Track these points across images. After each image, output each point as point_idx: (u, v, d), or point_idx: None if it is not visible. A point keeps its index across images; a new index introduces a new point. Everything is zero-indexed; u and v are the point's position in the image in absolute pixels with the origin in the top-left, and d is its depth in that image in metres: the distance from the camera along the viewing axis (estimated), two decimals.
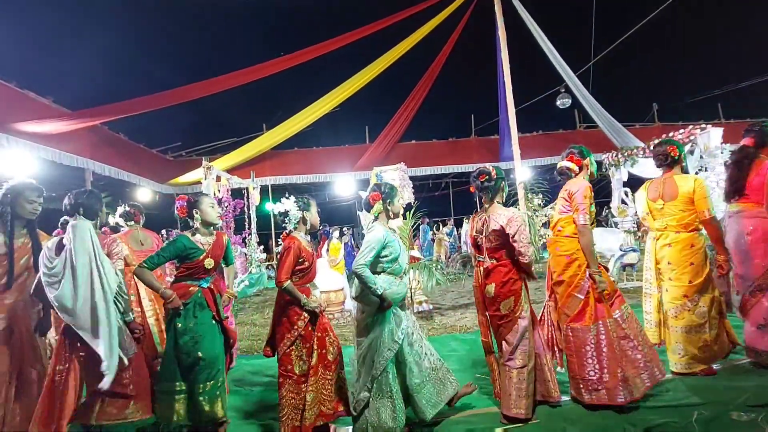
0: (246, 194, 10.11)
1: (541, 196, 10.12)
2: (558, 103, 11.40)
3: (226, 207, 6.99)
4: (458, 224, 14.60)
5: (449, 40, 10.31)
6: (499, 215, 2.62)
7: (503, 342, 2.65)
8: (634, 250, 6.61)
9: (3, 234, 2.56)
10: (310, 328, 2.58)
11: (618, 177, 9.29)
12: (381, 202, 2.68)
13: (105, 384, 2.28)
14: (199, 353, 2.55)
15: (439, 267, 6.23)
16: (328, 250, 6.59)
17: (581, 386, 2.64)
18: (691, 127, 8.04)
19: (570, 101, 11.10)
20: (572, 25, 10.39)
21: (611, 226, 9.47)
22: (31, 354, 2.59)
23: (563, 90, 10.97)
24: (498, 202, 2.73)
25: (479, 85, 13.07)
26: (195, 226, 2.74)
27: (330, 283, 6.03)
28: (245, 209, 9.85)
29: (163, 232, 8.55)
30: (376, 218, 2.72)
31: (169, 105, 9.27)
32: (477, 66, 12.47)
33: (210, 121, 13.90)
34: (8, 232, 2.56)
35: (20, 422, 2.48)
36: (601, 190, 15.47)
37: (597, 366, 2.59)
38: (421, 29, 9.55)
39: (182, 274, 2.67)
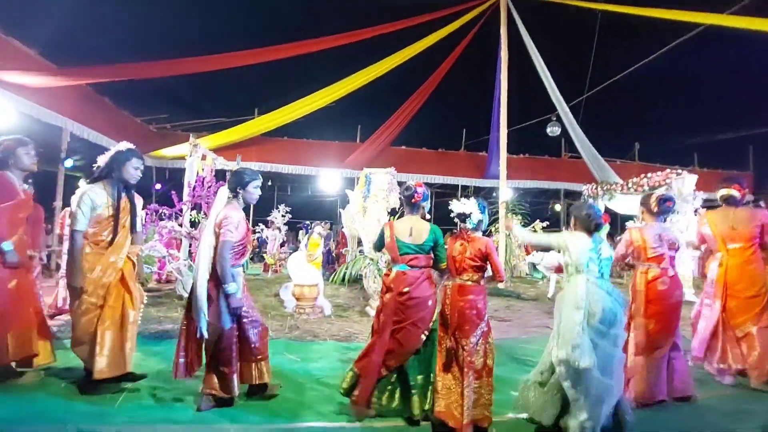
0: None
1: (520, 217, 10.37)
2: (548, 130, 11.70)
3: (209, 188, 6.83)
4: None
5: (452, 53, 10.45)
6: None
7: None
8: None
9: (110, 196, 2.84)
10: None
11: None
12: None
13: None
14: None
15: None
16: (307, 244, 6.55)
17: None
18: (668, 170, 8.43)
19: (559, 130, 11.42)
20: (571, 58, 10.71)
21: None
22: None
23: (554, 118, 11.28)
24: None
25: (475, 101, 13.26)
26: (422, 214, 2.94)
27: (305, 277, 5.98)
28: None
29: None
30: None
31: (160, 76, 9.03)
32: (475, 82, 12.67)
33: (200, 96, 13.51)
34: (114, 194, 2.86)
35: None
36: None
37: None
38: (426, 38, 9.64)
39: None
